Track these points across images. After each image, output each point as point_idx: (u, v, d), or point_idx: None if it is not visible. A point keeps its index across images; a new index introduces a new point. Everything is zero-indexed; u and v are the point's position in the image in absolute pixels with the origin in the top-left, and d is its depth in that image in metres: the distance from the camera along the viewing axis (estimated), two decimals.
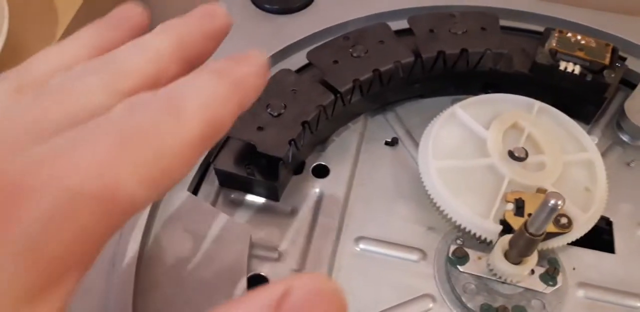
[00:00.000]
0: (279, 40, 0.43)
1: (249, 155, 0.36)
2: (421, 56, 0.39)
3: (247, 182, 0.37)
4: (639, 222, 0.38)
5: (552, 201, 0.27)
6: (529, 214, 0.34)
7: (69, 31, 0.48)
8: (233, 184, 0.38)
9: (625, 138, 0.42)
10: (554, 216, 0.28)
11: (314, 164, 0.40)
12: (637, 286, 0.35)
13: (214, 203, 0.37)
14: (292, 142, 0.35)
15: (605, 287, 0.35)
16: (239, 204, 0.38)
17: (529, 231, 0.30)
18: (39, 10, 0.49)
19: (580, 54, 0.40)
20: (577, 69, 0.39)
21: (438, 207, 0.36)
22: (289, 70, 0.39)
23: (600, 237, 0.37)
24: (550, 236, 0.34)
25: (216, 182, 0.38)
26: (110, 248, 0.33)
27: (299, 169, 0.40)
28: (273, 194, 0.37)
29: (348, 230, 0.37)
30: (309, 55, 0.40)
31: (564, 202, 0.27)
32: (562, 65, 0.39)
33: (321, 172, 0.40)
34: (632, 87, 0.43)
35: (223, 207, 0.37)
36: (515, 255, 0.32)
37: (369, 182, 0.39)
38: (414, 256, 0.36)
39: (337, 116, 0.39)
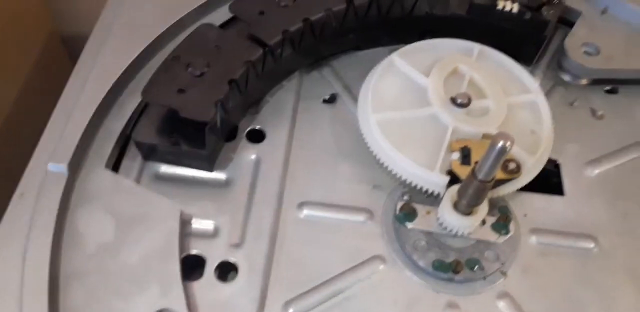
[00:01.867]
0: None
1: (172, 122, 0.32)
2: (353, 3, 0.36)
3: (173, 153, 0.33)
4: (586, 162, 0.37)
5: (501, 143, 0.26)
6: (476, 162, 0.33)
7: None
8: (158, 157, 0.34)
9: (566, 78, 0.40)
10: (503, 158, 0.27)
11: (248, 129, 0.37)
12: (588, 227, 0.34)
13: (137, 179, 0.34)
14: (219, 103, 0.32)
15: (558, 230, 0.34)
16: (167, 178, 0.34)
17: (478, 178, 0.28)
18: None
19: None
20: (516, 8, 0.37)
21: (382, 164, 0.34)
22: (210, 25, 0.35)
23: (548, 181, 0.36)
24: (500, 182, 0.32)
25: (139, 156, 0.34)
26: (20, 240, 0.29)
27: (231, 134, 0.36)
28: (204, 164, 0.34)
29: (290, 196, 0.34)
30: (232, 7, 0.36)
31: (512, 143, 0.26)
32: (500, 4, 0.37)
33: (257, 136, 0.37)
34: (571, 25, 0.41)
35: (149, 183, 0.34)
36: (465, 205, 0.30)
37: (309, 144, 0.37)
38: (361, 217, 0.34)
39: (268, 73, 0.36)
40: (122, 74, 0.34)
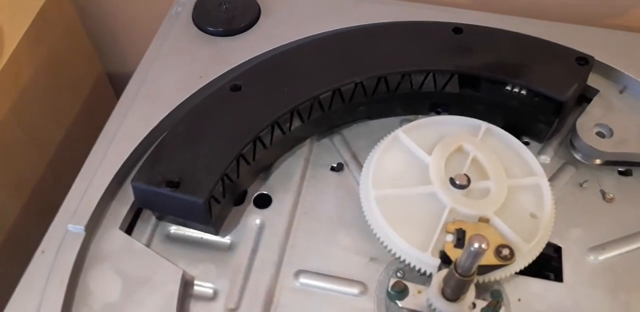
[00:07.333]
0: (221, 63, 0.41)
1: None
2: (361, 82, 0.38)
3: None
4: (589, 248, 0.36)
5: (475, 245, 0.26)
6: None
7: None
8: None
9: (578, 156, 0.40)
10: (479, 259, 0.27)
11: (256, 194, 0.39)
12: None
13: (149, 240, 0.36)
14: (223, 178, 0.34)
15: None
16: (177, 239, 0.37)
17: (458, 272, 0.29)
18: None
19: None
20: (525, 90, 0.38)
21: (378, 238, 0.35)
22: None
23: (548, 265, 0.36)
24: (492, 268, 0.33)
25: (153, 218, 0.37)
26: (37, 295, 0.32)
27: (240, 198, 0.38)
28: (208, 228, 0.36)
29: (288, 263, 0.36)
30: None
31: (487, 245, 0.26)
32: (509, 85, 0.38)
33: (263, 201, 0.38)
34: (587, 101, 0.41)
35: (159, 244, 0.36)
36: (450, 293, 0.31)
37: (312, 211, 0.38)
38: (355, 290, 0.35)
39: (277, 144, 0.38)
40: (143, 140, 0.37)
